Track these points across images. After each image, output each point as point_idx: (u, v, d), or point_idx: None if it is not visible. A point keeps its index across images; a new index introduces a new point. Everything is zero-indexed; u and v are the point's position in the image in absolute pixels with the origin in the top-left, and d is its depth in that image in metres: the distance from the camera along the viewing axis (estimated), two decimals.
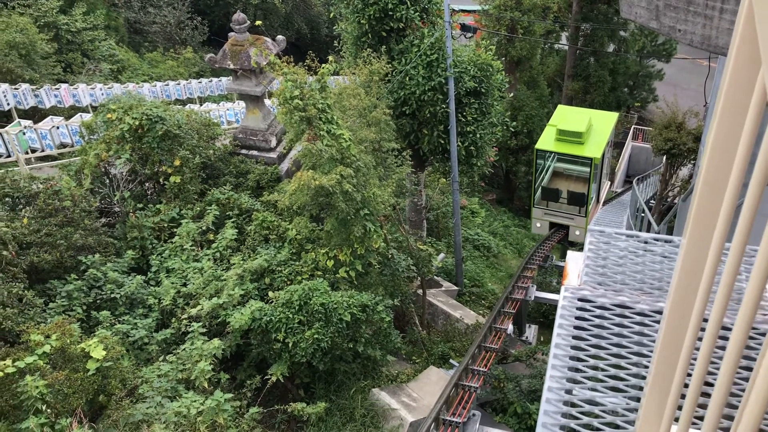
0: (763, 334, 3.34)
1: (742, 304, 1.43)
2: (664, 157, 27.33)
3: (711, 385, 1.61)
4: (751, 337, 3.44)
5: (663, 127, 26.06)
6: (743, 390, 1.53)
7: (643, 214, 24.84)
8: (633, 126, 41.67)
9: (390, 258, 16.07)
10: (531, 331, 22.55)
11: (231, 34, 18.20)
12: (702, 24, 11.40)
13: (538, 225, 25.07)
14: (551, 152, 23.31)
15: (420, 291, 18.43)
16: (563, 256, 22.88)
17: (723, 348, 1.57)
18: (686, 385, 1.82)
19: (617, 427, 3.07)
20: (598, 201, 25.50)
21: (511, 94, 33.35)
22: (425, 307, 18.63)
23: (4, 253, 12.18)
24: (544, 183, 24.26)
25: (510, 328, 17.92)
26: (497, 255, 28.44)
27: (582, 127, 22.75)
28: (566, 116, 24.15)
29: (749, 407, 1.41)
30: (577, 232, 23.97)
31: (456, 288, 22.22)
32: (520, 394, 16.16)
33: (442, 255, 23.24)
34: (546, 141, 23.40)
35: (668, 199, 28.82)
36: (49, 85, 25.29)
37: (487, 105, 20.62)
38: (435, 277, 20.77)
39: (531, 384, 16.39)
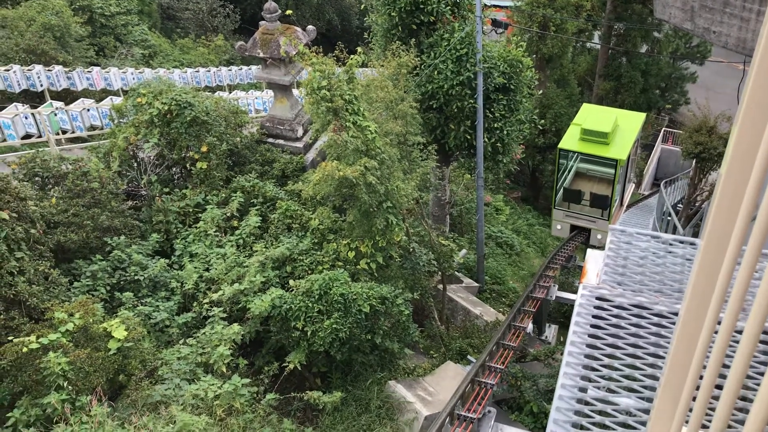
0: None
1: (753, 309, 1.43)
2: (694, 161, 26.93)
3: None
4: (766, 343, 3.40)
5: (694, 130, 25.67)
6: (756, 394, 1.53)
7: (669, 218, 24.51)
8: (663, 128, 41.13)
9: (411, 252, 16.07)
10: (551, 331, 22.41)
11: (262, 22, 18.28)
12: (738, 26, 11.21)
13: (559, 227, 24.41)
14: (575, 152, 22.67)
15: (440, 286, 18.41)
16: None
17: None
18: (699, 388, 1.81)
19: (629, 427, 3.06)
20: (621, 204, 24.85)
21: (541, 92, 33.04)
22: (445, 303, 18.61)
23: (32, 231, 12.39)
24: (566, 184, 23.65)
25: (530, 326, 17.83)
26: (520, 253, 28.27)
27: (607, 127, 22.06)
28: (591, 115, 23.37)
29: (755, 410, 1.41)
30: (599, 236, 23.38)
31: (477, 285, 22.16)
32: (537, 393, 16.09)
33: (464, 251, 23.18)
34: (570, 140, 22.71)
35: (696, 204, 28.43)
36: (81, 68, 25.64)
37: (516, 102, 20.46)
38: (456, 272, 20.72)
39: (548, 383, 16.31)
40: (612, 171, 22.23)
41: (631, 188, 27.15)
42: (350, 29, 45.41)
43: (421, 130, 17.93)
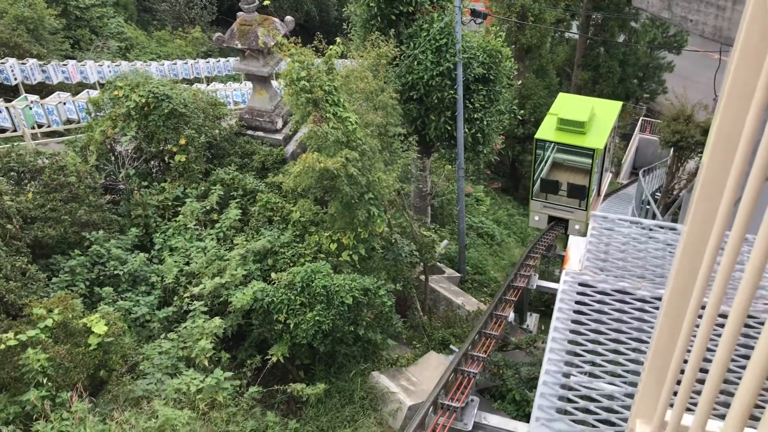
0: (762, 323, 3.34)
1: (738, 293, 1.43)
2: (672, 150, 27.17)
3: (708, 372, 1.62)
4: (749, 326, 3.43)
5: (671, 119, 25.88)
6: (740, 378, 1.54)
7: (648, 206, 24.69)
8: (641, 118, 41.47)
9: (393, 243, 16.08)
10: (532, 320, 22.53)
11: (239, 13, 18.12)
12: (714, 15, 11.31)
13: (536, 218, 24.13)
14: (551, 142, 22.35)
15: (422, 277, 18.45)
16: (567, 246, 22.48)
17: (721, 335, 1.58)
18: (683, 371, 1.82)
19: (613, 411, 3.08)
20: (599, 194, 24.64)
21: (520, 82, 33.12)
22: (427, 293, 18.66)
23: (9, 226, 12.23)
24: (542, 174, 23.35)
25: (511, 315, 17.94)
26: (500, 243, 28.40)
27: (584, 116, 21.81)
28: (568, 104, 23.08)
29: (742, 392, 1.41)
30: (577, 227, 23.24)
31: (458, 275, 22.23)
32: (519, 382, 16.20)
33: (445, 242, 23.22)
34: (546, 130, 22.42)
35: (674, 192, 28.71)
36: (56, 61, 25.26)
37: (495, 92, 20.48)
38: (438, 263, 20.77)
39: (530, 372, 16.43)
40: (589, 161, 22.02)
41: (608, 178, 27.02)
42: (328, 20, 45.17)
43: (402, 121, 17.91)
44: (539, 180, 23.36)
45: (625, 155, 39.44)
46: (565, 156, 23.30)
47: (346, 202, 14.02)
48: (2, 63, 23.19)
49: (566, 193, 23.08)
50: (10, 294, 11.19)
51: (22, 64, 23.75)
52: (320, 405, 12.94)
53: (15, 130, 20.75)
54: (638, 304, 3.58)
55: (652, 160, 37.43)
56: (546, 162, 23.48)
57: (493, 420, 13.04)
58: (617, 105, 24.50)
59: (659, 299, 3.67)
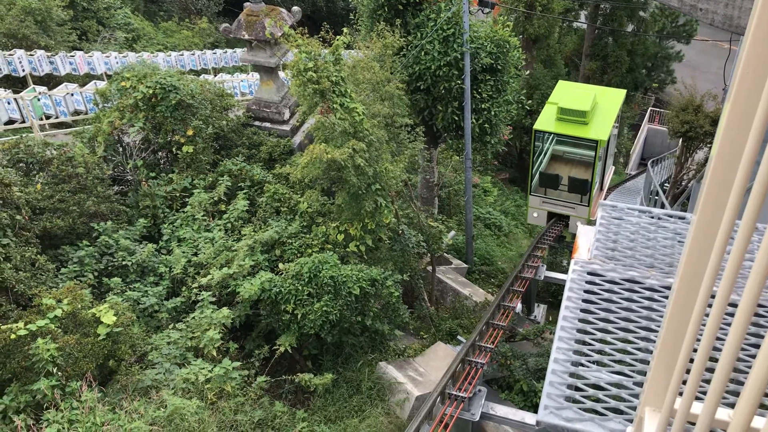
0: None
1: (749, 281, 1.43)
2: (680, 140, 26.95)
3: (717, 360, 1.61)
4: (759, 315, 3.43)
5: (680, 109, 25.66)
6: (749, 367, 1.54)
7: (656, 197, 24.51)
8: (650, 108, 41.23)
9: (400, 234, 16.08)
10: (539, 311, 22.49)
11: (246, 4, 18.10)
12: (725, 3, 11.22)
13: (535, 215, 22.73)
14: (551, 133, 21.16)
15: (429, 267, 18.46)
16: (575, 238, 22.16)
17: (730, 324, 1.57)
18: (692, 360, 1.82)
19: (622, 399, 3.08)
20: (602, 188, 23.27)
21: (528, 72, 32.96)
22: (434, 284, 18.67)
23: (18, 217, 12.29)
24: (542, 168, 22.15)
25: (519, 306, 17.90)
26: (508, 234, 28.35)
27: (586, 106, 20.48)
28: (568, 93, 21.63)
29: (752, 381, 1.41)
30: (579, 223, 21.97)
31: (466, 266, 22.21)
32: (526, 372, 16.21)
33: (452, 232, 23.20)
34: (545, 121, 21.07)
35: (683, 183, 28.55)
36: (64, 52, 25.32)
37: (503, 82, 20.35)
38: (445, 254, 20.76)
39: (538, 362, 16.44)
40: (592, 153, 20.79)
41: (611, 171, 25.82)
42: (335, 10, 45.03)
43: (409, 111, 17.87)
44: (538, 174, 22.15)
45: (634, 146, 39.23)
46: (566, 148, 22.30)
47: (354, 193, 14.03)
48: (10, 55, 23.27)
49: (567, 188, 21.73)
50: (19, 284, 11.27)
51: (30, 55, 23.83)
52: (328, 395, 13.00)
53: (23, 122, 20.85)
54: (647, 293, 3.58)
55: (660, 150, 37.22)
56: (545, 154, 22.64)
57: (501, 410, 13.06)
58: (621, 93, 23.10)
59: (668, 288, 3.66)
